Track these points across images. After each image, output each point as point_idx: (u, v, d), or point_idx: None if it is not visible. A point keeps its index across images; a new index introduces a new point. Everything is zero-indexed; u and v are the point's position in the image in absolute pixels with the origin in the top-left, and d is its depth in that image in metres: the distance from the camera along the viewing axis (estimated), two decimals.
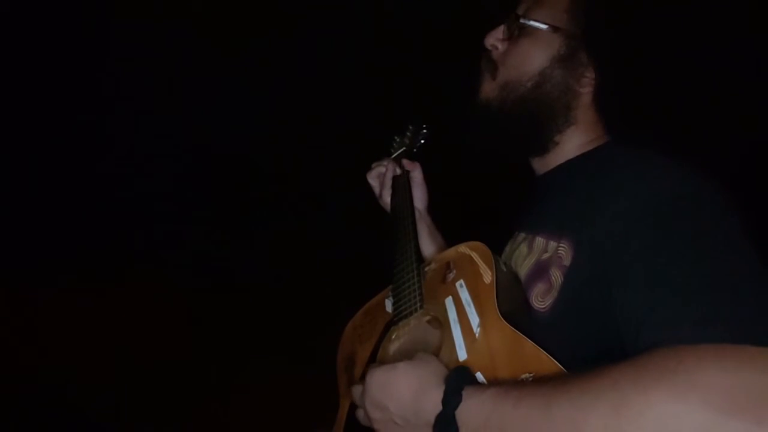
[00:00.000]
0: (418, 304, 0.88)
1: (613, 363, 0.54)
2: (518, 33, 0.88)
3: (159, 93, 3.83)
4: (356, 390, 0.77)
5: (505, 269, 0.83)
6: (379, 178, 1.24)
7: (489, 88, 0.91)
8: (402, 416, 0.68)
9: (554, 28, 0.84)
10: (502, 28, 0.91)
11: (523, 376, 0.65)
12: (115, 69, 3.89)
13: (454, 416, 0.61)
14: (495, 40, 0.92)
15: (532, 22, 0.86)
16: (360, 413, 0.77)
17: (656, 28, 0.80)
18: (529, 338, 0.69)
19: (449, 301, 0.83)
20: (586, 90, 0.85)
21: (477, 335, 0.74)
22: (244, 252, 4.21)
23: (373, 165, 1.26)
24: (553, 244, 0.79)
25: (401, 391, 0.68)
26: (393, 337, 0.89)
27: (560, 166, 0.88)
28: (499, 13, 0.91)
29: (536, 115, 0.86)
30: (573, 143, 0.87)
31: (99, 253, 4.03)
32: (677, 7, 0.81)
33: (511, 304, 0.78)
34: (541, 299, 0.77)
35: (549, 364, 0.64)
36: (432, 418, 0.63)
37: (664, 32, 0.80)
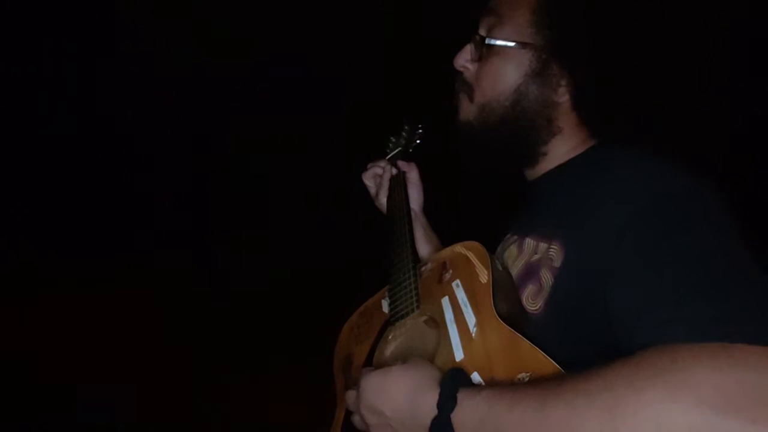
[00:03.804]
0: (415, 305, 0.88)
1: (607, 363, 0.55)
2: (486, 53, 0.86)
3: (159, 96, 3.82)
4: (350, 396, 0.77)
5: (501, 269, 0.83)
6: (375, 179, 1.24)
7: (468, 110, 0.90)
8: (398, 420, 0.68)
9: (522, 44, 0.83)
10: (469, 48, 0.90)
11: (520, 375, 0.65)
12: (111, 70, 3.88)
13: (449, 420, 0.61)
14: (464, 61, 0.90)
15: (498, 42, 0.85)
16: (356, 418, 0.77)
17: (624, 24, 0.79)
18: (525, 338, 0.69)
19: (446, 301, 0.83)
20: (564, 98, 0.84)
21: (473, 335, 0.75)
22: (243, 253, 4.21)
23: (369, 165, 1.26)
24: (543, 245, 0.79)
25: (396, 395, 0.68)
26: (390, 337, 0.89)
27: (550, 172, 0.88)
28: (465, 29, 0.89)
29: (520, 132, 0.86)
30: (560, 149, 0.87)
31: (98, 256, 4.02)
32: (643, 3, 0.79)
33: (508, 303, 0.78)
34: (532, 301, 0.77)
35: (546, 363, 0.64)
36: (428, 422, 0.64)
37: (632, 28, 0.78)
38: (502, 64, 0.85)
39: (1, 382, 2.78)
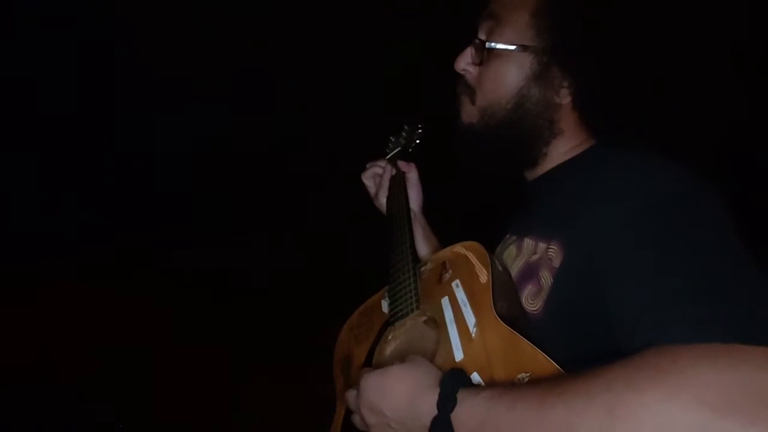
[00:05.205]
0: (415, 305, 0.88)
1: (606, 363, 0.55)
2: (487, 56, 0.86)
3: (164, 91, 3.82)
4: (350, 395, 0.77)
5: (501, 269, 0.83)
6: (375, 179, 1.24)
7: (470, 113, 0.90)
8: (398, 420, 0.68)
9: (523, 47, 0.83)
10: (469, 51, 0.89)
11: (520, 376, 0.65)
12: (117, 66, 3.88)
13: (449, 420, 0.61)
14: (465, 64, 0.90)
15: (499, 46, 0.84)
16: (356, 417, 0.77)
17: (623, 24, 0.78)
18: (525, 338, 0.69)
19: (445, 301, 0.83)
20: (566, 99, 0.83)
21: (473, 335, 0.74)
22: (243, 255, 4.21)
23: (368, 165, 1.26)
24: (542, 245, 0.78)
25: (396, 394, 0.68)
26: (389, 337, 0.89)
27: (549, 171, 0.88)
28: (466, 32, 0.89)
29: (522, 135, 0.85)
30: (560, 149, 0.87)
31: (100, 255, 4.02)
32: (644, 4, 0.79)
33: (508, 304, 0.78)
34: (531, 301, 0.77)
35: (546, 363, 0.64)
36: (428, 422, 0.63)
37: (631, 28, 0.78)
38: (504, 68, 0.84)
39: (4, 381, 2.77)
